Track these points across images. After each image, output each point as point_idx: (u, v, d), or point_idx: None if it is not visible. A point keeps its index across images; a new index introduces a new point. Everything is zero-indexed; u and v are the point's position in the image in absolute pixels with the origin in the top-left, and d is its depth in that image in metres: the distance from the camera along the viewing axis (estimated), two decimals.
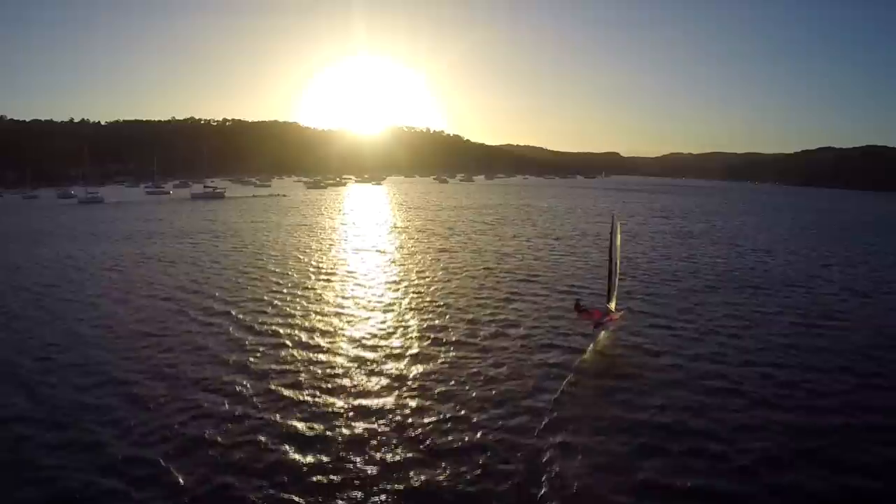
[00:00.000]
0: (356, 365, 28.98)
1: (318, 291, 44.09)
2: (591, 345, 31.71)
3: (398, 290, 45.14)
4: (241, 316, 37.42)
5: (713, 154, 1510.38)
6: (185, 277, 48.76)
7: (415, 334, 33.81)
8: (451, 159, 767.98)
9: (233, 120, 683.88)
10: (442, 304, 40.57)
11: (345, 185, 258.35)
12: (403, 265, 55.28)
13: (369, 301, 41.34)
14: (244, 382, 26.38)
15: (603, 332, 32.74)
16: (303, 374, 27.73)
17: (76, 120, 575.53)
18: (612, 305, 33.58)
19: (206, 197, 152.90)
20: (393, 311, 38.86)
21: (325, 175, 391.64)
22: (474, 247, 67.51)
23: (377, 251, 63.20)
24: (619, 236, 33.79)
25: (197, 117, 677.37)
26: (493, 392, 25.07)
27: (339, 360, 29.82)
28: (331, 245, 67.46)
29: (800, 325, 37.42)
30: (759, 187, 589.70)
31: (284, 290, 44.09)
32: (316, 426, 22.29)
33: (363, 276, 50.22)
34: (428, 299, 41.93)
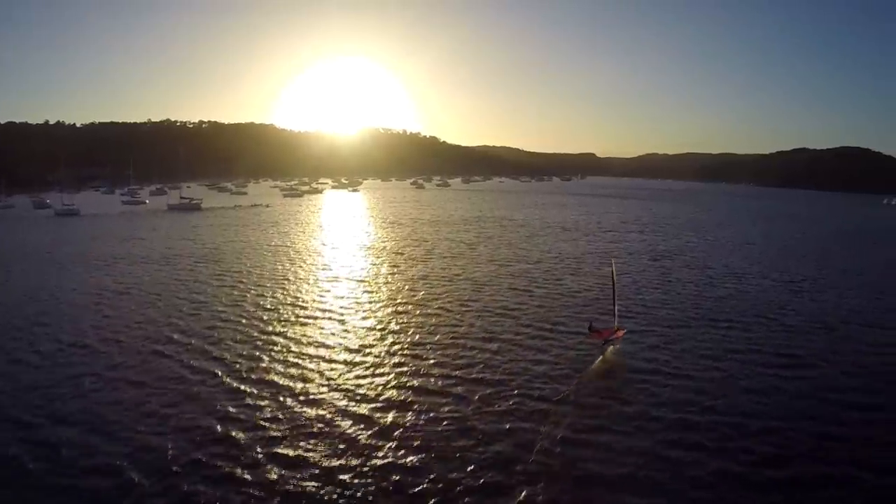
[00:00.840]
0: (342, 419, 30.34)
1: (298, 333, 44.95)
2: (601, 356, 39.93)
3: (378, 329, 46.25)
4: (225, 359, 38.59)
5: (688, 155, 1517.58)
6: (168, 317, 49.11)
7: (394, 382, 34.99)
8: (428, 161, 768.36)
9: (209, 122, 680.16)
10: (419, 345, 41.99)
11: (321, 192, 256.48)
12: (384, 300, 56.07)
13: (351, 343, 42.40)
14: (235, 434, 27.64)
15: (610, 347, 41.14)
16: (286, 426, 29.18)
17: (51, 122, 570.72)
18: (616, 323, 43.00)
19: (183, 208, 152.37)
20: (373, 354, 40.07)
21: (301, 179, 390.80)
22: (452, 273, 68.47)
23: (357, 281, 63.85)
24: (615, 274, 45.29)
25: (173, 119, 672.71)
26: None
27: (323, 412, 31.10)
28: (311, 274, 67.73)
29: (764, 365, 39.40)
30: (733, 189, 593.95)
31: (267, 331, 44.93)
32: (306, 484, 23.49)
33: (344, 312, 50.97)
34: (406, 341, 43.04)
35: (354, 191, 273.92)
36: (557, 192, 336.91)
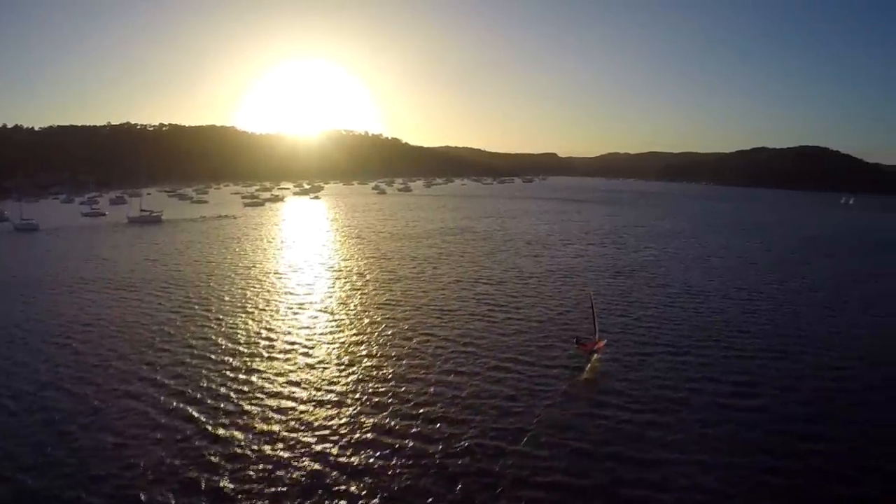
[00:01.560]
0: (322, 463, 31.32)
1: (266, 368, 45.80)
2: (588, 365, 48.07)
3: (346, 363, 47.04)
4: (197, 399, 39.64)
5: (650, 154, 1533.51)
6: (139, 353, 49.21)
7: (365, 418, 35.79)
8: (390, 163, 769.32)
9: (170, 124, 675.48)
10: (386, 379, 43.00)
11: (283, 199, 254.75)
12: (350, 330, 56.73)
13: (320, 378, 43.46)
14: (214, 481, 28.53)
15: (594, 356, 49.32)
16: (259, 469, 30.51)
17: (9, 126, 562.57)
18: (597, 336, 51.06)
19: (144, 221, 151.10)
20: (342, 388, 40.65)
21: (262, 184, 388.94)
22: (417, 298, 69.36)
23: (323, 309, 64.29)
24: (593, 298, 54.53)
25: (133, 122, 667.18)
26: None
27: (296, 454, 32.26)
28: (276, 301, 67.90)
29: (715, 398, 41.72)
30: (694, 190, 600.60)
31: (235, 367, 45.73)
32: None
33: (311, 344, 51.61)
34: (373, 375, 43.92)
35: (316, 198, 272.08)
36: (519, 195, 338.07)
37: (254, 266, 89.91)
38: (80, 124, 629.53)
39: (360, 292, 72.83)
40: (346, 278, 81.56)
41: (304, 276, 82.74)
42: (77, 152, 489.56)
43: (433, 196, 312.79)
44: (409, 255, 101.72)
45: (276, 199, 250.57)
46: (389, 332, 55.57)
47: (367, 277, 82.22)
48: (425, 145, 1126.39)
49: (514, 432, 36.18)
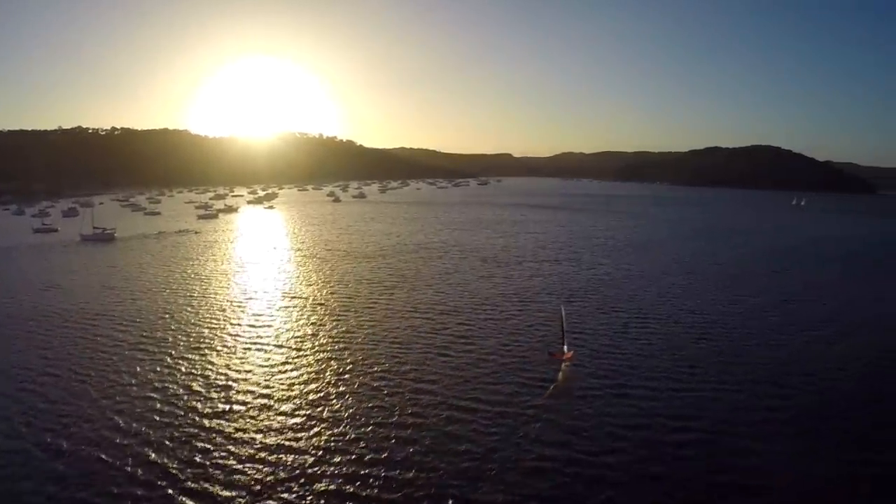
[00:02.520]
0: None
1: (230, 425, 45.14)
2: (560, 373, 55.63)
3: (311, 415, 46.60)
4: (163, 466, 38.83)
5: (605, 154, 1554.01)
6: (102, 413, 48.29)
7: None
8: (345, 166, 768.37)
9: (122, 128, 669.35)
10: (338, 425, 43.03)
11: (236, 209, 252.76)
12: (311, 373, 56.73)
13: (287, 429, 43.07)
14: None
15: (564, 365, 57.13)
16: None
17: None
18: (566, 348, 58.61)
19: (97, 240, 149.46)
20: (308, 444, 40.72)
21: (216, 192, 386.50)
22: (372, 330, 69.56)
23: (284, 346, 64.25)
24: (563, 314, 59.36)
25: (84, 126, 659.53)
26: None
27: None
28: (234, 339, 67.58)
29: (671, 402, 44.65)
30: (649, 191, 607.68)
31: (202, 426, 45.03)
32: None
33: (266, 390, 51.10)
34: (328, 422, 43.56)
35: (270, 207, 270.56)
36: (474, 201, 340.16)
37: (208, 295, 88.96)
38: (30, 129, 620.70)
39: (317, 325, 73.10)
40: (302, 308, 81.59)
41: (259, 306, 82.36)
42: (27, 159, 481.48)
43: (388, 203, 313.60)
44: (365, 278, 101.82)
45: (230, 209, 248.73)
46: (347, 370, 56.24)
47: (325, 306, 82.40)
48: (381, 146, 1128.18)
49: (493, 439, 42.62)
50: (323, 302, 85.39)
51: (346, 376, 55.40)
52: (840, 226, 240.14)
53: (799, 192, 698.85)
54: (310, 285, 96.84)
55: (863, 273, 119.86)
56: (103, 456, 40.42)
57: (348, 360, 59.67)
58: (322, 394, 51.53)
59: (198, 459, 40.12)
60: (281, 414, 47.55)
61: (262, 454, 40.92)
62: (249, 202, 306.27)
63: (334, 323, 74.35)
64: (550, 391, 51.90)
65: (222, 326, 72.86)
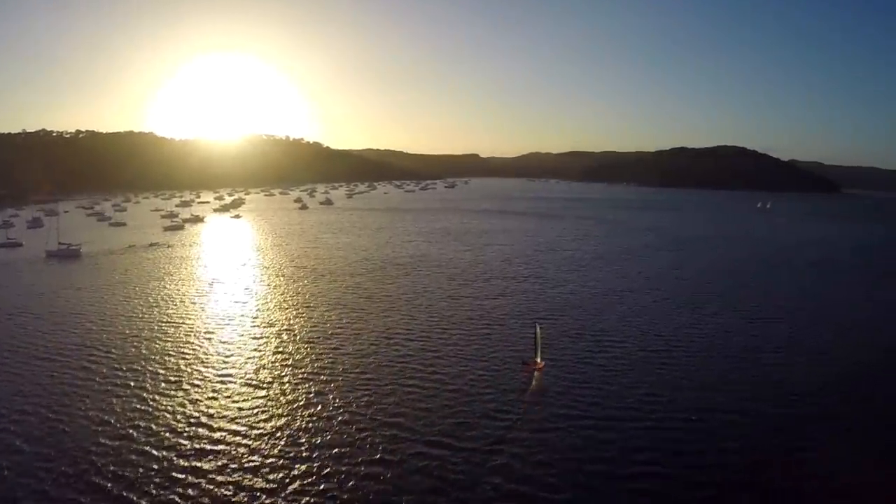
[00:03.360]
0: None
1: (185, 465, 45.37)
2: (533, 381, 64.37)
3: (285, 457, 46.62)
4: None
5: (572, 153, 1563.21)
6: (67, 478, 48.18)
7: None
8: (312, 168, 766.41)
9: (87, 131, 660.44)
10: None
11: (203, 219, 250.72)
12: (279, 411, 56.75)
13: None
14: None
15: (536, 373, 65.72)
16: None
17: None
18: (539, 359, 67.14)
19: (63, 256, 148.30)
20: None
21: (182, 196, 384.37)
22: (342, 361, 69.63)
23: (248, 386, 64.44)
24: (538, 329, 68.75)
25: (49, 129, 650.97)
26: None
27: None
28: (195, 374, 68.25)
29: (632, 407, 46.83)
30: (616, 193, 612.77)
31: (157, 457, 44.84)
32: None
33: (234, 437, 51.59)
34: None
35: (237, 216, 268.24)
36: (441, 207, 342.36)
37: (176, 322, 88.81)
38: None
39: (287, 352, 73.86)
40: (273, 335, 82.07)
41: (228, 334, 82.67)
42: None
43: (355, 210, 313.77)
44: (333, 300, 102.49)
45: (197, 219, 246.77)
46: (316, 408, 57.16)
47: (294, 332, 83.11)
48: (349, 147, 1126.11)
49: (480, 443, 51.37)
50: (292, 328, 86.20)
51: (321, 398, 56.95)
52: (805, 232, 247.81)
53: (765, 191, 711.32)
54: (280, 309, 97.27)
55: (829, 285, 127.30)
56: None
57: (321, 383, 61.65)
58: (295, 418, 53.12)
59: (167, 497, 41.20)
60: (254, 445, 48.93)
61: (232, 488, 42.41)
62: (216, 210, 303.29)
63: (306, 348, 75.60)
64: (525, 395, 61.31)
65: (190, 356, 73.57)
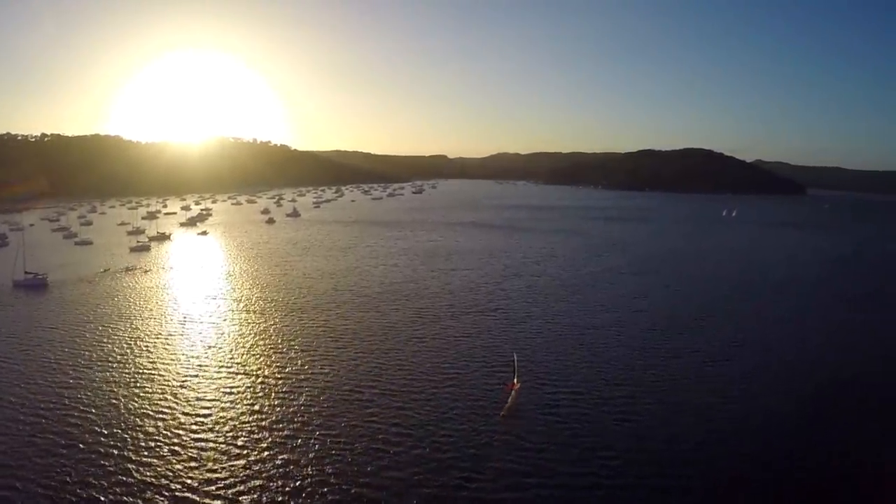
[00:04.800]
0: None
1: None
2: (510, 399, 76.47)
3: None
4: None
5: (540, 154, 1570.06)
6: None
7: None
8: (279, 172, 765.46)
9: (52, 135, 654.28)
10: None
11: (169, 237, 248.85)
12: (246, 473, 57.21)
13: None
14: None
15: (513, 391, 77.79)
16: None
17: None
18: (516, 380, 79.67)
19: (29, 285, 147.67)
20: None
21: (148, 207, 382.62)
22: (314, 415, 70.09)
23: (227, 435, 64.56)
24: (516, 358, 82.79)
25: (14, 132, 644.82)
26: None
27: None
28: (153, 441, 68.61)
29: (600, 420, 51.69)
30: (586, 199, 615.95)
31: None
32: None
33: None
34: None
35: (203, 233, 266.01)
36: (408, 219, 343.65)
37: (145, 368, 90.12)
38: None
39: (256, 414, 74.29)
40: (241, 387, 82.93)
41: (201, 384, 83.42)
42: None
43: (323, 224, 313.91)
44: (303, 343, 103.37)
45: (163, 237, 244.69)
46: (292, 458, 59.56)
47: (264, 385, 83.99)
48: (316, 148, 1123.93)
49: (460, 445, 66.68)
50: (264, 375, 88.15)
51: (294, 452, 58.44)
52: (769, 248, 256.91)
53: (731, 194, 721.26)
54: (250, 354, 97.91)
55: (792, 311, 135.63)
56: None
57: (292, 435, 62.58)
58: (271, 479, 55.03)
59: None
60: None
61: None
62: (183, 224, 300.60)
63: (274, 409, 76.29)
64: (504, 411, 74.42)
65: (161, 405, 75.77)
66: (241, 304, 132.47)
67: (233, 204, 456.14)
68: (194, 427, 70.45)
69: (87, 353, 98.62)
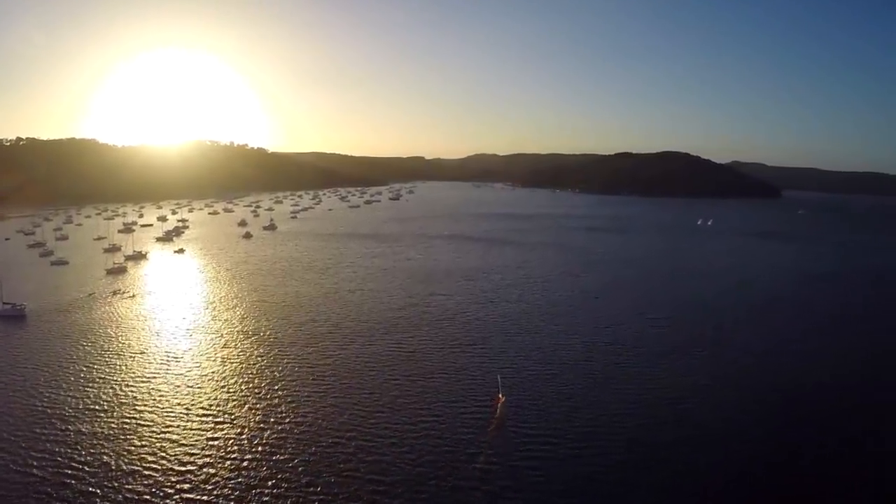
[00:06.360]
0: None
1: None
2: (498, 410, 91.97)
3: None
4: None
5: (519, 155, 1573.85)
6: None
7: None
8: (257, 175, 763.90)
9: (27, 138, 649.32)
10: None
11: (146, 256, 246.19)
12: None
13: None
14: None
15: (499, 405, 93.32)
16: None
17: None
18: (500, 394, 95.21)
19: (8, 316, 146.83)
20: None
21: (125, 215, 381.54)
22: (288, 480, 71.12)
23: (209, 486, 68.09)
24: (499, 378, 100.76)
25: None
26: None
27: None
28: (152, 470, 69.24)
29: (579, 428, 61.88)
30: (564, 205, 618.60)
31: None
32: None
33: None
34: None
35: (180, 251, 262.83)
36: (386, 232, 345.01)
37: (126, 412, 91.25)
38: None
39: (242, 466, 75.10)
40: (223, 443, 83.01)
41: (181, 430, 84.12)
42: None
43: (300, 238, 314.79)
44: (284, 385, 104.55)
45: (140, 256, 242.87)
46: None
47: (249, 432, 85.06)
48: (293, 150, 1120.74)
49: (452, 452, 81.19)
50: (251, 419, 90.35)
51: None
52: (745, 261, 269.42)
53: (708, 198, 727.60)
54: (235, 400, 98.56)
55: (765, 336, 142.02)
56: None
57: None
58: None
59: None
60: None
61: None
62: (159, 239, 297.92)
63: (267, 445, 78.99)
64: (492, 422, 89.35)
65: (144, 459, 76.82)
66: (222, 340, 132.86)
67: (210, 213, 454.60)
68: (181, 486, 71.26)
69: (69, 397, 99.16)
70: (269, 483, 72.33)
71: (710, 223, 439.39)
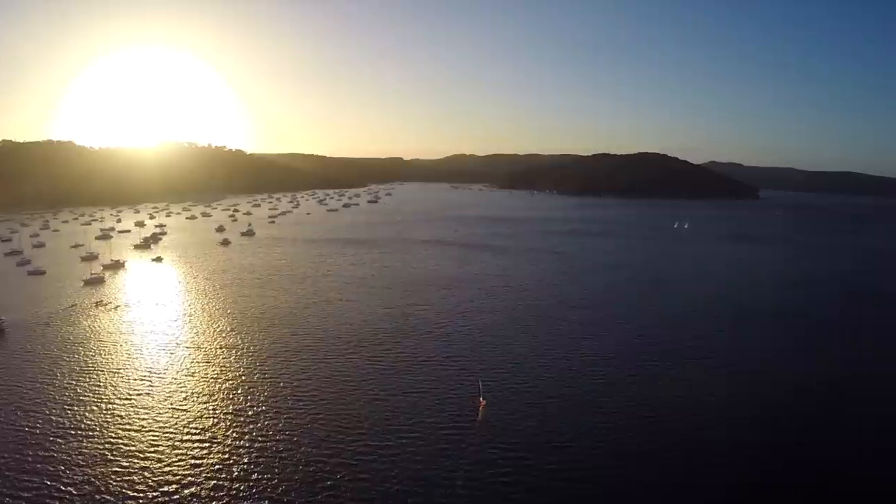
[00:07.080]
0: None
1: None
2: (480, 412, 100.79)
3: None
4: None
5: (497, 156, 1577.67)
6: None
7: None
8: (235, 177, 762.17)
9: (3, 141, 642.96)
10: None
11: (123, 265, 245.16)
12: None
13: None
14: None
15: (482, 409, 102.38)
16: None
17: None
18: (482, 398, 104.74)
19: None
20: None
21: (102, 220, 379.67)
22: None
23: None
24: (480, 382, 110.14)
25: None
26: None
27: None
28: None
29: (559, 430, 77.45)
30: (540, 206, 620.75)
31: None
32: None
33: None
34: None
35: (158, 259, 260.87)
36: (365, 237, 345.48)
37: (108, 435, 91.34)
38: None
39: (230, 484, 76.54)
40: (210, 463, 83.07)
41: (161, 450, 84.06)
42: None
43: (278, 244, 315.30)
44: (266, 402, 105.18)
45: (117, 265, 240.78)
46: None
47: (232, 450, 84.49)
48: (272, 151, 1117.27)
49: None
50: (234, 438, 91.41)
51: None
52: (722, 267, 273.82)
53: (685, 198, 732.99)
54: (216, 417, 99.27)
55: (742, 346, 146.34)
56: None
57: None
58: None
59: None
60: None
61: None
62: (137, 246, 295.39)
63: (249, 463, 77.49)
64: (475, 425, 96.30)
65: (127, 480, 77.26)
66: (202, 354, 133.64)
67: (188, 218, 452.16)
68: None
69: (52, 416, 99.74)
70: (249, 496, 74.43)
71: (686, 226, 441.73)
